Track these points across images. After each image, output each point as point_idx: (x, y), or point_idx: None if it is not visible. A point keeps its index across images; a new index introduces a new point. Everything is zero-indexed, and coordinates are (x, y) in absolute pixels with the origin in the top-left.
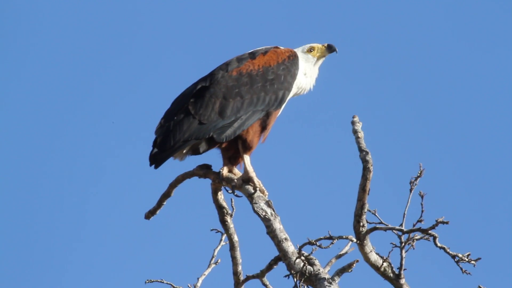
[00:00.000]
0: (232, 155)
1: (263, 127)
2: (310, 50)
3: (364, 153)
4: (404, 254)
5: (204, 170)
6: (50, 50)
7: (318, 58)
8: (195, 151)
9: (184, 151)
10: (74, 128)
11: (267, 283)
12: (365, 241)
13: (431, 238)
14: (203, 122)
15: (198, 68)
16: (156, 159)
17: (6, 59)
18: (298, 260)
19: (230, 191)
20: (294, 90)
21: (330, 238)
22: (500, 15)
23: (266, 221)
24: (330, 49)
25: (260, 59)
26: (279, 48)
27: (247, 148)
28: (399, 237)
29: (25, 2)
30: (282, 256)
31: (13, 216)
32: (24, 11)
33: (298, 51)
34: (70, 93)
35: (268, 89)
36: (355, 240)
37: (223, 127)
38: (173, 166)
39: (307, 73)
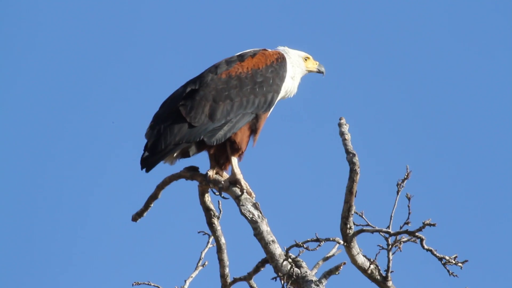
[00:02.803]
0: (221, 157)
1: (253, 130)
2: (306, 59)
3: (351, 155)
4: (391, 256)
5: (191, 172)
6: (50, 51)
7: (307, 70)
8: (185, 155)
9: (175, 155)
10: (62, 130)
11: (255, 285)
12: (352, 243)
13: (418, 240)
14: (194, 125)
15: (196, 68)
16: (147, 163)
17: (6, 59)
18: (285, 263)
19: (217, 193)
20: (282, 93)
21: (317, 240)
22: (490, 15)
23: (253, 223)
24: (319, 69)
25: (249, 61)
26: (267, 50)
27: (235, 150)
28: (386, 239)
29: (25, 2)
30: (269, 258)
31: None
32: (24, 11)
33: (290, 53)
34: (65, 93)
35: (257, 92)
36: (342, 242)
37: (213, 130)
38: (161, 168)
39: (294, 77)
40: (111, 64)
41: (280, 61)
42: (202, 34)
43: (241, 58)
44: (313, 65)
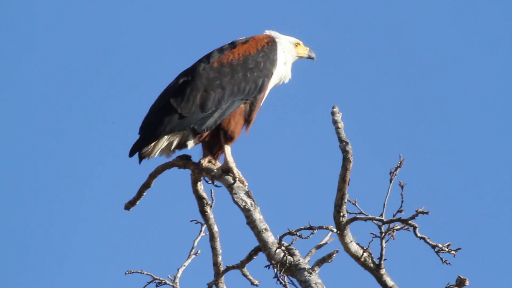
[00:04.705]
0: (214, 146)
1: (246, 120)
2: (296, 44)
3: (344, 143)
4: (384, 244)
5: (184, 161)
6: (50, 51)
7: (298, 56)
8: (182, 146)
9: (172, 148)
10: (57, 122)
11: (247, 273)
12: (345, 231)
13: (411, 228)
14: (184, 116)
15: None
16: (134, 148)
17: (4, 59)
18: (278, 250)
19: (209, 182)
20: (275, 80)
21: (310, 228)
22: (491, 14)
23: (246, 212)
24: (310, 55)
25: (240, 48)
26: (257, 35)
27: (228, 139)
28: (379, 227)
29: (24, 2)
30: (262, 246)
31: None
32: (23, 10)
33: (281, 39)
34: (65, 91)
35: (248, 78)
36: (335, 230)
37: (203, 118)
38: (156, 160)
39: (286, 62)
40: (112, 64)
41: (271, 45)
42: (199, 30)
43: (233, 45)
44: (303, 51)
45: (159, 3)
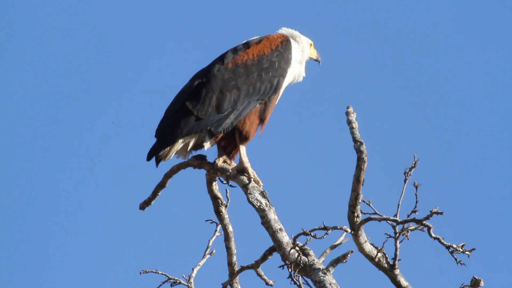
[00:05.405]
0: (229, 146)
1: (261, 119)
2: (310, 45)
3: (358, 143)
4: (398, 245)
5: (199, 161)
6: (51, 50)
7: (309, 57)
8: (198, 147)
9: (188, 149)
10: (70, 120)
11: (262, 273)
12: (359, 232)
13: (425, 229)
14: (201, 118)
15: (198, 65)
16: (151, 151)
17: (5, 59)
18: (292, 251)
19: (224, 182)
20: (289, 79)
21: (325, 228)
22: (497, 14)
23: (261, 212)
24: (318, 57)
25: (254, 48)
26: (271, 35)
27: (243, 139)
28: (394, 227)
29: (24, 2)
30: (277, 246)
31: (10, 208)
32: (22, 10)
33: (301, 38)
34: (69, 88)
35: (263, 78)
36: (349, 230)
37: (220, 119)
38: (172, 160)
39: (302, 61)
40: (113, 64)
41: (285, 44)
42: (203, 31)
43: (247, 45)
44: (314, 52)
45: (170, 2)
